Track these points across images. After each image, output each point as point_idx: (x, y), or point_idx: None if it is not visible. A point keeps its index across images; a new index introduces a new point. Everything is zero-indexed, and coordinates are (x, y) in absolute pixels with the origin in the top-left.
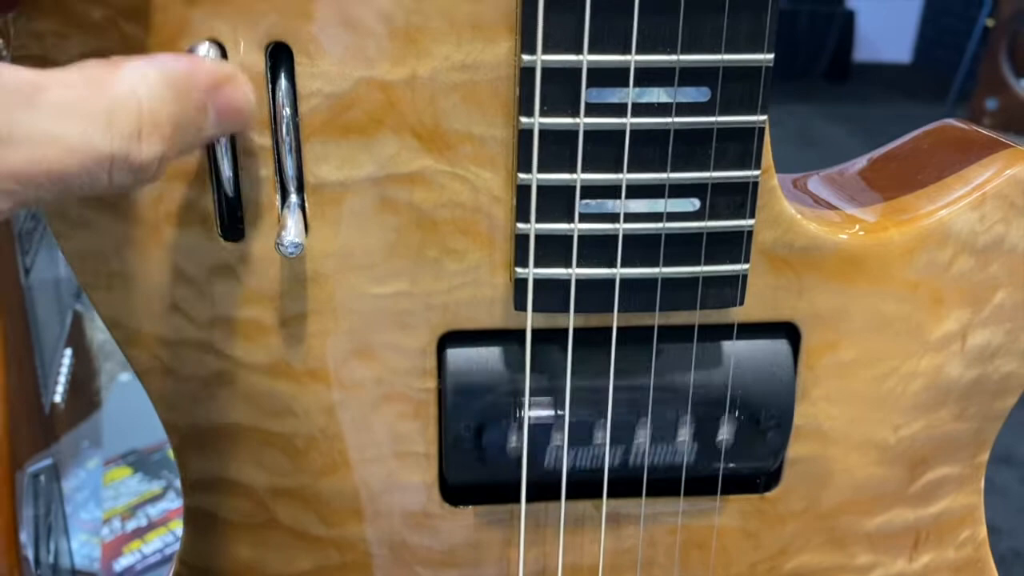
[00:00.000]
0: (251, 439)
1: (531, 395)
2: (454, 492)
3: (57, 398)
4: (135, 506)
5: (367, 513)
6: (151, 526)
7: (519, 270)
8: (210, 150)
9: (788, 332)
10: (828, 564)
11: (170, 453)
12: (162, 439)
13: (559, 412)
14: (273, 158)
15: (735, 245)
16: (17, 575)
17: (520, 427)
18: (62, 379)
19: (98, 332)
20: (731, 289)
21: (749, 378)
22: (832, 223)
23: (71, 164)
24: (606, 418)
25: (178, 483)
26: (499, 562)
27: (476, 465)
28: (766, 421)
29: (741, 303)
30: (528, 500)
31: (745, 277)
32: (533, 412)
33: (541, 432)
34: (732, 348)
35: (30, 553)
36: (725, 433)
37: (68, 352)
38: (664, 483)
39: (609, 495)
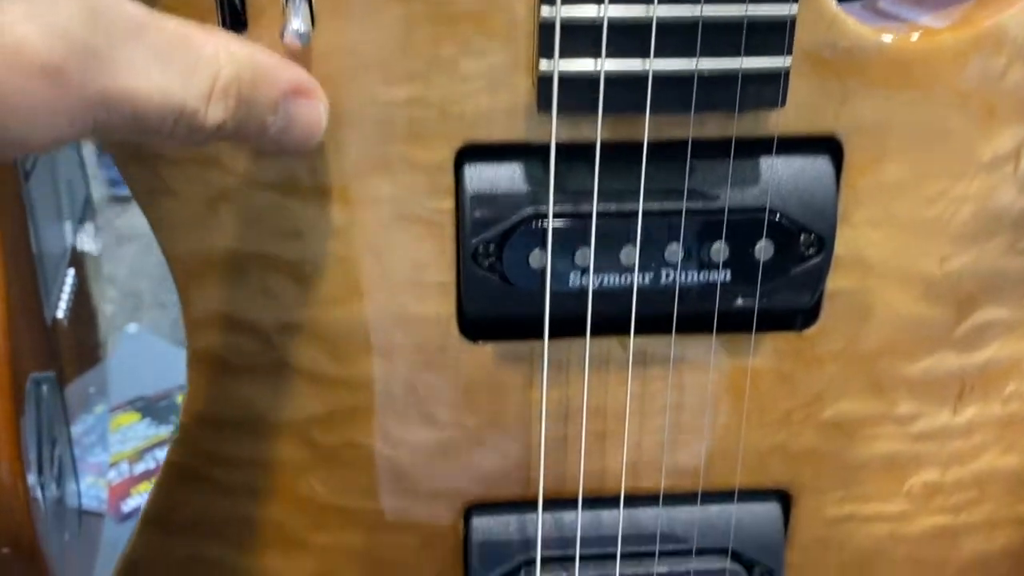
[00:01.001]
0: (257, 267)
1: (555, 214)
2: (472, 326)
3: (60, 314)
4: (143, 450)
5: (380, 349)
6: (159, 469)
7: (543, 63)
8: None
9: (830, 148)
10: (868, 412)
11: (178, 399)
12: (170, 387)
13: (584, 232)
14: None
15: (777, 36)
16: (17, 466)
17: (542, 250)
18: (65, 296)
19: (105, 291)
20: (772, 87)
21: (788, 197)
22: (883, 28)
23: (151, 105)
24: (634, 240)
25: None
26: (520, 403)
27: (495, 294)
28: (806, 245)
29: (783, 104)
30: (551, 336)
31: (787, 73)
32: (556, 233)
33: (565, 255)
34: (770, 165)
35: (32, 457)
36: (762, 257)
37: (71, 272)
38: (695, 319)
39: (637, 331)
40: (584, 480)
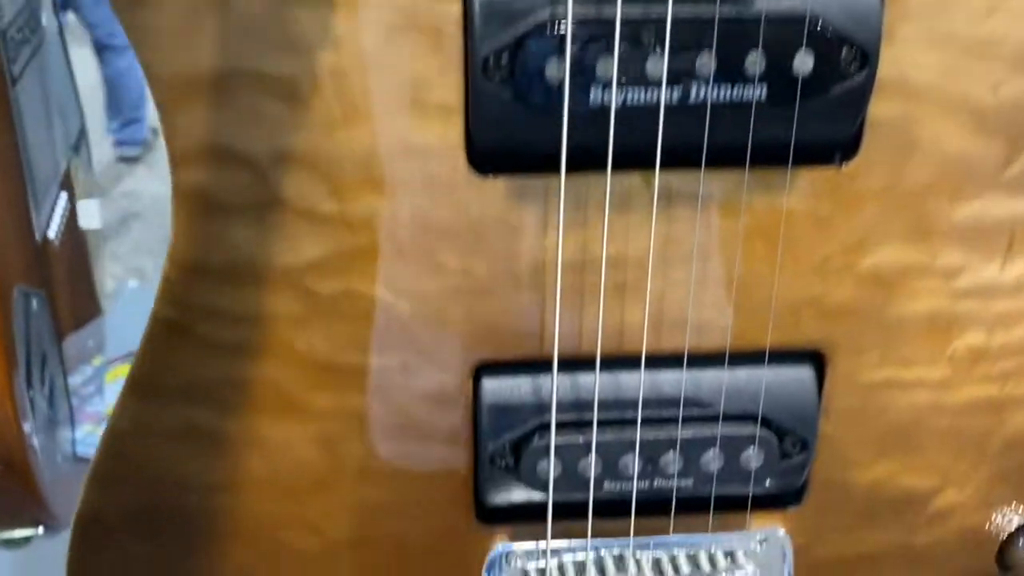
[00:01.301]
0: (247, 87)
1: (575, 18)
2: (481, 157)
3: (51, 234)
4: None
5: (382, 183)
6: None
7: None
8: None
9: None
10: (910, 262)
11: None
12: None
13: (607, 39)
14: None
15: None
16: (7, 380)
17: (560, 59)
18: (57, 217)
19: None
20: None
21: (829, 4)
22: None
23: None
24: (662, 48)
25: None
26: (533, 248)
27: (507, 116)
28: (847, 60)
29: None
30: (568, 170)
31: None
32: (576, 39)
33: (585, 66)
34: None
35: (22, 371)
36: (801, 70)
37: (64, 195)
38: (726, 150)
39: (663, 164)
40: (603, 338)
